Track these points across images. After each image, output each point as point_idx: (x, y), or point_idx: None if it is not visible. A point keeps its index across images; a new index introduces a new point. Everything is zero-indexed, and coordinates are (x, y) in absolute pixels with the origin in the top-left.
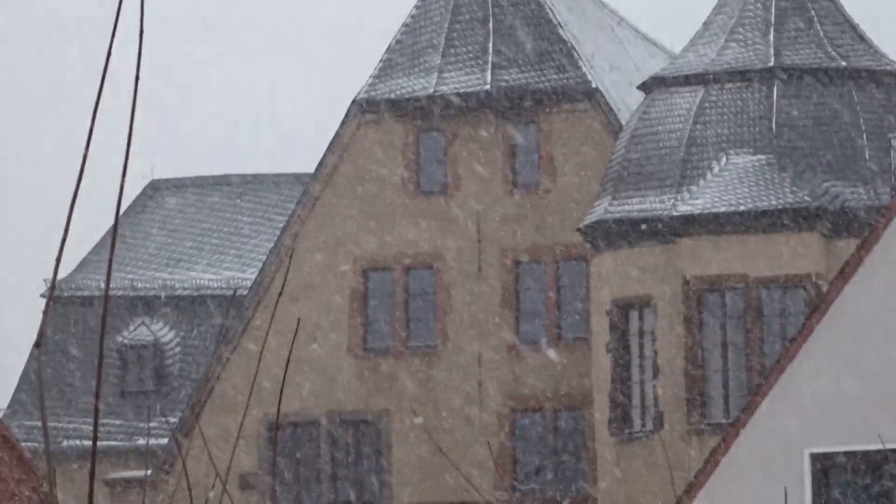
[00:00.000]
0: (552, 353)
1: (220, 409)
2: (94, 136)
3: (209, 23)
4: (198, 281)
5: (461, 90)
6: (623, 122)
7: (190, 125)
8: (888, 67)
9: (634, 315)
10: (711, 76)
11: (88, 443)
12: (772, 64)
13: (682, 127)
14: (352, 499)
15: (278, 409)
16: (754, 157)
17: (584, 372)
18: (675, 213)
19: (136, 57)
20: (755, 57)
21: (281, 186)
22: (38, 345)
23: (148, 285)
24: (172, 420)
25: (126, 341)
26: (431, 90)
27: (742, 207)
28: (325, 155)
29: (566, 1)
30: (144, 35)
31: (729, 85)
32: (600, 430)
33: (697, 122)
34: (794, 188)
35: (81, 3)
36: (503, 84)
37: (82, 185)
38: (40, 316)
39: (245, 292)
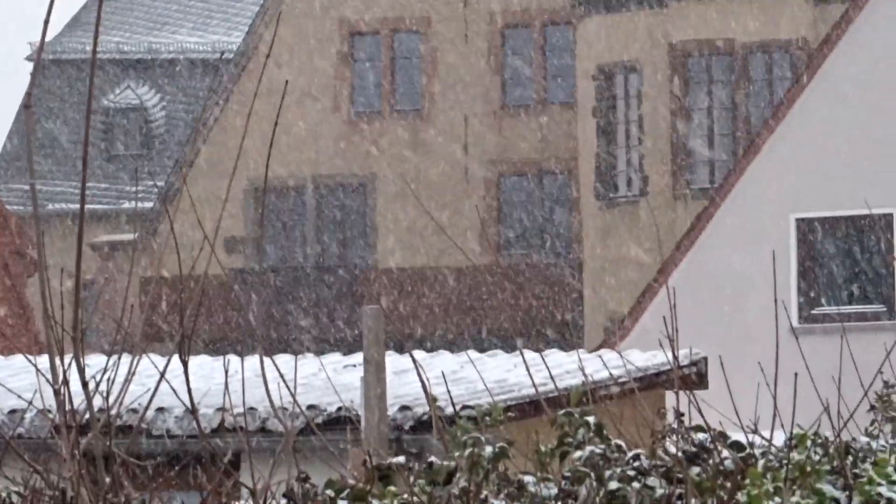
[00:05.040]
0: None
1: (206, 172)
2: None
3: None
4: (183, 44)
5: None
6: None
7: None
8: None
9: (620, 80)
10: None
11: (75, 206)
12: None
13: None
14: (337, 262)
15: (266, 173)
16: None
17: (570, 136)
18: None
19: None
20: None
21: None
22: (27, 106)
23: (134, 48)
24: (159, 183)
25: (111, 105)
26: None
27: None
28: None
29: None
30: None
31: None
32: (586, 195)
33: None
34: None
35: None
36: None
37: None
38: (26, 80)
39: (231, 56)
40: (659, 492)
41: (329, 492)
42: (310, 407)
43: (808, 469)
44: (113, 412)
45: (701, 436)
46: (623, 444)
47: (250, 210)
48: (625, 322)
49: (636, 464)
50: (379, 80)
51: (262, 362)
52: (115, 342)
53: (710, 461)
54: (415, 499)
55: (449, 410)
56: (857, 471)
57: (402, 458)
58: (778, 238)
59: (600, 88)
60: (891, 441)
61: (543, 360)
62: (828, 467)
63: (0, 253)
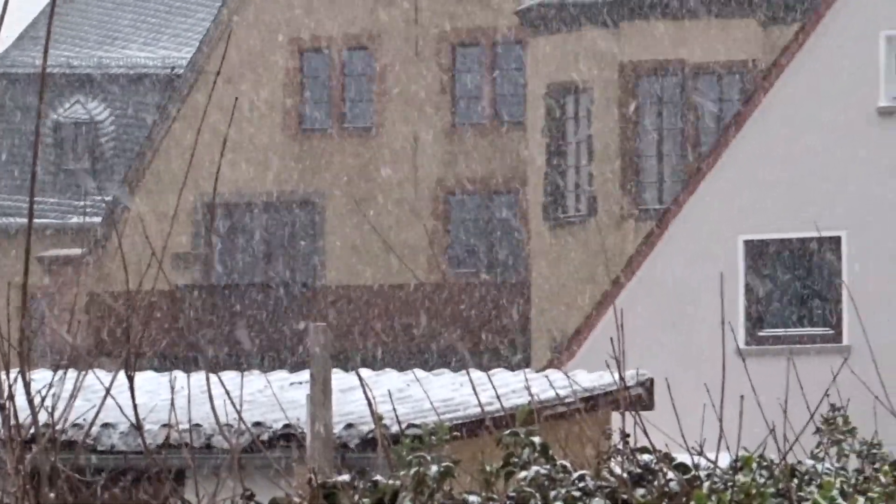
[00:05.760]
0: None
1: (155, 188)
2: None
3: None
4: (134, 59)
5: None
6: None
7: None
8: None
9: (570, 99)
10: None
11: (23, 220)
12: None
13: None
14: (286, 279)
15: (214, 189)
16: None
17: (519, 155)
18: None
19: None
20: None
21: None
22: None
23: (84, 63)
24: (107, 198)
25: (61, 119)
26: None
27: None
28: None
29: None
30: None
31: None
32: (534, 214)
33: None
34: None
35: None
36: None
37: None
38: None
39: (181, 71)
40: None
41: None
42: (255, 424)
43: (754, 491)
44: (58, 427)
45: (646, 457)
46: (568, 464)
47: (199, 226)
48: (572, 342)
49: (581, 484)
50: (329, 97)
51: (207, 379)
52: (61, 357)
53: (656, 482)
54: None
55: (395, 429)
56: (802, 493)
57: (347, 477)
58: (726, 259)
59: (550, 108)
60: (836, 464)
61: (490, 379)
62: (773, 490)
63: None
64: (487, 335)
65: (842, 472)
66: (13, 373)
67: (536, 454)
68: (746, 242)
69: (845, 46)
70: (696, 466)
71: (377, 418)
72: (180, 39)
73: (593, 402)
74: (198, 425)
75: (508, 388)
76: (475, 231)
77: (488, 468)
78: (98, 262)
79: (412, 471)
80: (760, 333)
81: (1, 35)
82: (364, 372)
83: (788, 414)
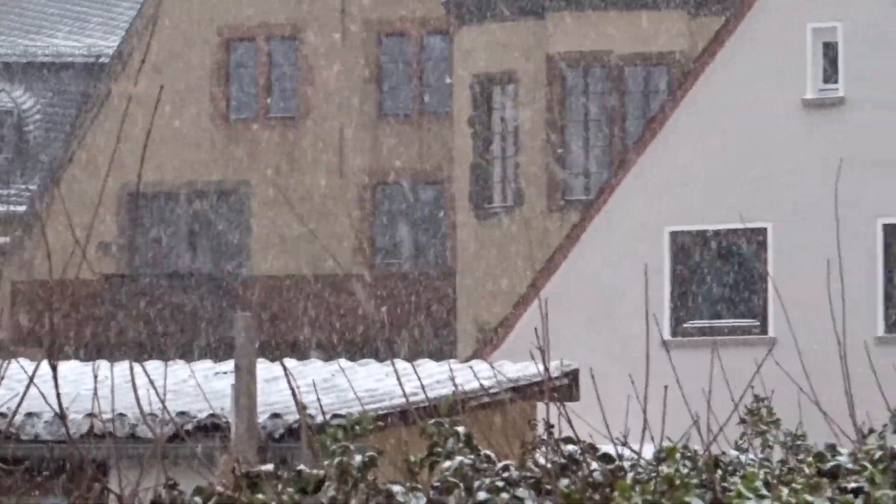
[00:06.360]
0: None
1: (80, 177)
2: None
3: None
4: (60, 48)
5: None
6: None
7: None
8: None
9: (497, 90)
10: None
11: None
12: None
13: None
14: (211, 268)
15: (139, 178)
16: None
17: (446, 146)
18: None
19: None
20: None
21: None
22: None
23: (8, 51)
24: (32, 187)
25: None
26: None
27: None
28: None
29: None
30: None
31: None
32: (461, 205)
33: None
34: None
35: None
36: None
37: None
38: None
39: (107, 60)
40: (528, 503)
41: (197, 499)
42: (180, 413)
43: (677, 482)
44: None
45: (571, 447)
46: (493, 454)
47: (124, 215)
48: (497, 333)
49: (506, 475)
50: (255, 86)
51: (132, 368)
52: None
53: (580, 473)
54: None
55: (319, 419)
56: (725, 484)
57: (270, 466)
58: (652, 251)
59: (477, 99)
60: (760, 455)
61: (415, 369)
62: (697, 481)
63: None
64: (413, 325)
65: (766, 462)
66: None
67: (461, 444)
68: (672, 234)
69: (772, 38)
70: (621, 457)
71: (302, 408)
72: (106, 28)
73: (518, 393)
74: (122, 415)
75: (433, 378)
76: (401, 221)
77: (412, 458)
78: (21, 251)
79: (336, 461)
80: (686, 325)
81: None
82: (289, 362)
83: (713, 405)
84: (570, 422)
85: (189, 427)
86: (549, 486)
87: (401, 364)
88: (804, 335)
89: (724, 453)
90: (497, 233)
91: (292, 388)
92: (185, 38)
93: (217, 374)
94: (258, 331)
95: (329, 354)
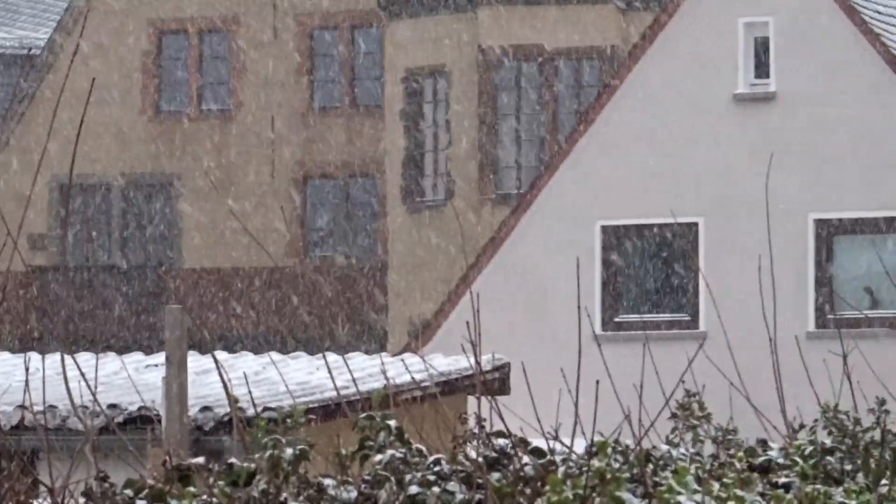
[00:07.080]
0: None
1: (11, 169)
2: None
3: None
4: None
5: None
6: None
7: None
8: None
9: (429, 83)
10: None
11: None
12: None
13: None
14: (142, 261)
15: (71, 170)
16: None
17: (377, 139)
18: None
19: None
20: None
21: None
22: None
23: None
24: None
25: None
26: None
27: None
28: None
29: None
30: None
31: None
32: (392, 198)
33: None
34: None
35: None
36: None
37: None
38: None
39: (38, 52)
40: (459, 497)
41: (128, 491)
42: (110, 406)
43: (609, 476)
44: None
45: (502, 441)
46: (424, 448)
47: (55, 207)
48: (429, 326)
49: (436, 468)
50: (187, 79)
51: (63, 360)
52: None
53: (511, 467)
54: (214, 500)
55: (250, 412)
56: (657, 479)
57: (201, 459)
58: (583, 245)
59: (408, 92)
60: (691, 450)
61: (346, 363)
62: (628, 475)
63: None
64: (344, 319)
65: (697, 457)
66: None
67: (392, 438)
68: (604, 228)
69: (704, 33)
70: (552, 451)
71: (233, 401)
72: (38, 20)
73: (449, 387)
74: (53, 407)
75: (365, 371)
76: (333, 214)
77: (344, 451)
78: None
79: (267, 453)
80: (617, 319)
81: None
82: (220, 354)
83: (644, 399)
84: (501, 416)
85: (120, 419)
86: (480, 480)
87: (332, 357)
88: (735, 330)
89: (655, 448)
90: (429, 226)
91: (223, 381)
92: (117, 30)
93: (148, 366)
94: (189, 324)
95: (261, 347)
